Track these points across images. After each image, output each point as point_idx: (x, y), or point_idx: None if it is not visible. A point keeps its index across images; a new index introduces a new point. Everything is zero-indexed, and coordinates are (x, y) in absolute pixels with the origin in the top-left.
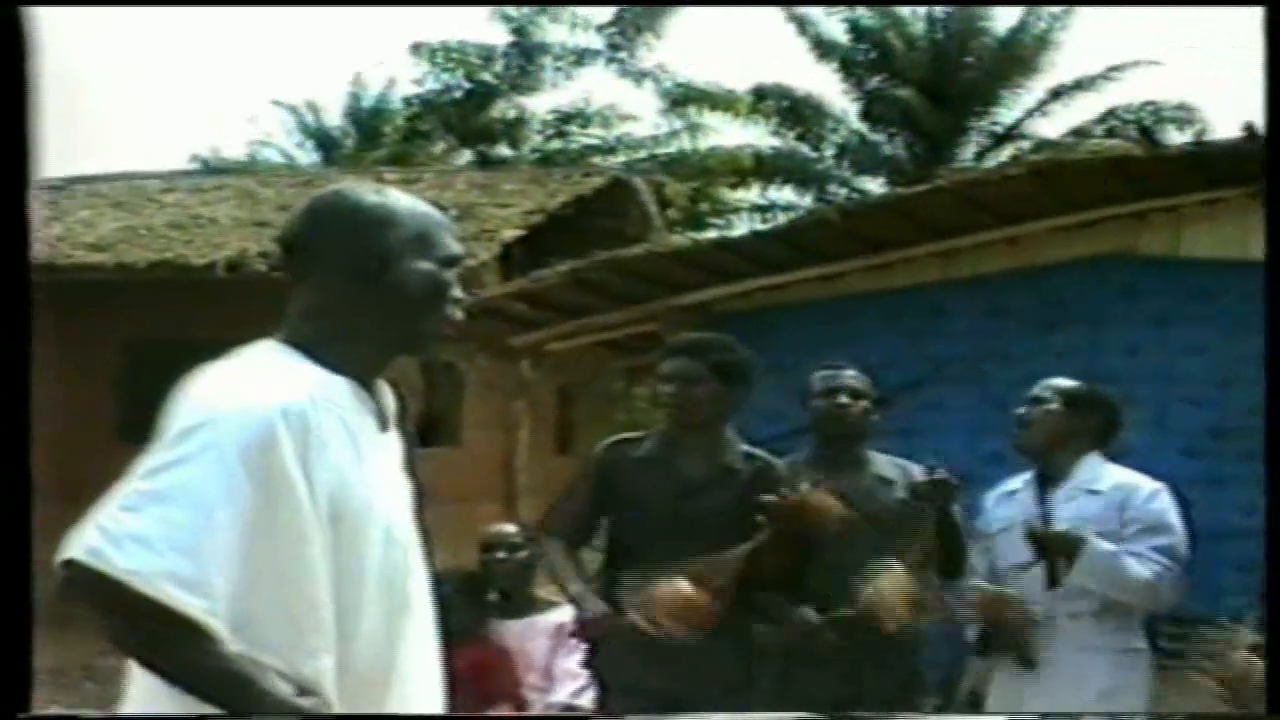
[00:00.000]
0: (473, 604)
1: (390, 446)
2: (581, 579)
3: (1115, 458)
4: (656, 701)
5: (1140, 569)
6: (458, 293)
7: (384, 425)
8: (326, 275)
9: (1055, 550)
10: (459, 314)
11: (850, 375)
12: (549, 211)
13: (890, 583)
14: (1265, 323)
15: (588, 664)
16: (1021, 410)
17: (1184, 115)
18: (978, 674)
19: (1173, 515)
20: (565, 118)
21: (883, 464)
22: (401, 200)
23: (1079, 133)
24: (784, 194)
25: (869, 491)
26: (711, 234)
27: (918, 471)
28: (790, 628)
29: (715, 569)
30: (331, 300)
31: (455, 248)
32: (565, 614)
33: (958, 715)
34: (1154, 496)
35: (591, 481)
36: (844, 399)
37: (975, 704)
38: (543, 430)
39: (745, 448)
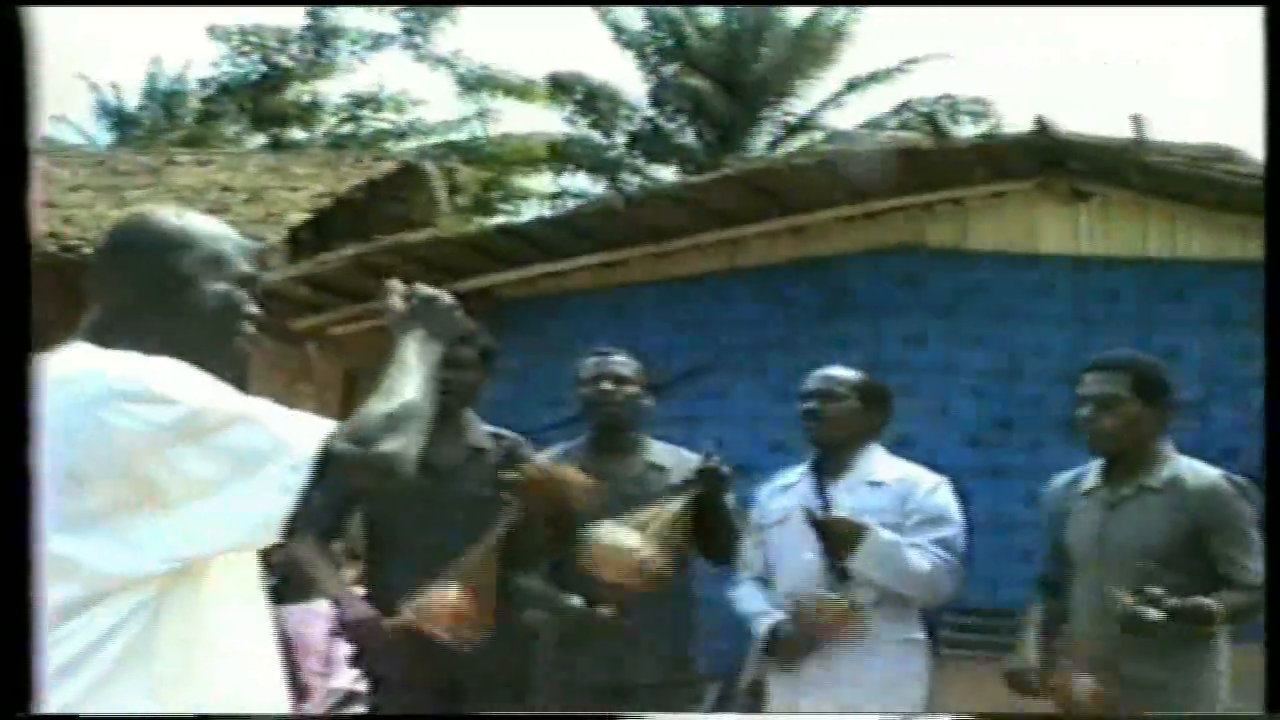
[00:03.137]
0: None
1: None
2: (338, 577)
3: (897, 448)
4: (432, 691)
5: (921, 561)
6: (252, 310)
7: None
8: (129, 295)
9: (837, 537)
10: (252, 330)
11: (617, 361)
12: (338, 195)
13: (610, 537)
14: (1265, 323)
15: (358, 657)
16: (813, 404)
17: (979, 109)
18: (759, 664)
19: (953, 508)
20: (359, 102)
21: (658, 451)
22: (199, 223)
23: (873, 124)
24: (578, 181)
25: (639, 478)
26: (502, 220)
27: (694, 460)
28: (562, 617)
29: (478, 568)
30: (133, 318)
31: (248, 267)
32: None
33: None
34: (935, 490)
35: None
36: (607, 385)
37: (757, 694)
38: (328, 414)
39: (489, 428)
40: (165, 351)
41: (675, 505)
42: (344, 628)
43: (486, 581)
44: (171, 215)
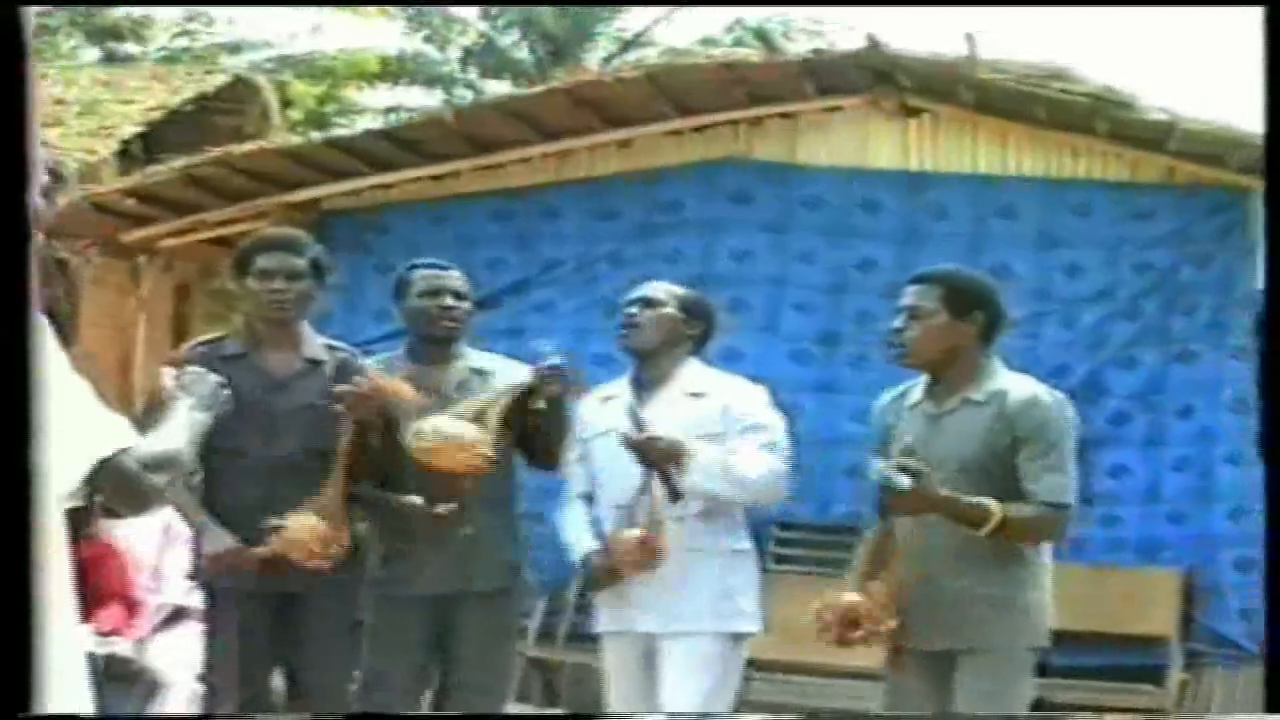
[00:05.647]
0: (80, 502)
1: None
2: (198, 505)
3: (724, 361)
4: (265, 603)
5: (752, 466)
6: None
7: None
8: None
9: (659, 457)
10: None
11: (453, 275)
12: (170, 108)
13: (442, 427)
14: (1265, 321)
15: (195, 569)
16: (632, 311)
17: (814, 27)
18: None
19: (773, 413)
20: (191, 16)
21: (479, 357)
22: None
23: (707, 41)
24: (412, 96)
25: (464, 384)
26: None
27: (516, 364)
28: (396, 508)
29: (336, 495)
30: None
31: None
32: (172, 514)
33: None
34: (755, 397)
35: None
36: (449, 300)
37: (584, 609)
38: (158, 328)
39: (325, 340)
40: None
41: (504, 399)
42: (207, 560)
43: (341, 504)
44: None
